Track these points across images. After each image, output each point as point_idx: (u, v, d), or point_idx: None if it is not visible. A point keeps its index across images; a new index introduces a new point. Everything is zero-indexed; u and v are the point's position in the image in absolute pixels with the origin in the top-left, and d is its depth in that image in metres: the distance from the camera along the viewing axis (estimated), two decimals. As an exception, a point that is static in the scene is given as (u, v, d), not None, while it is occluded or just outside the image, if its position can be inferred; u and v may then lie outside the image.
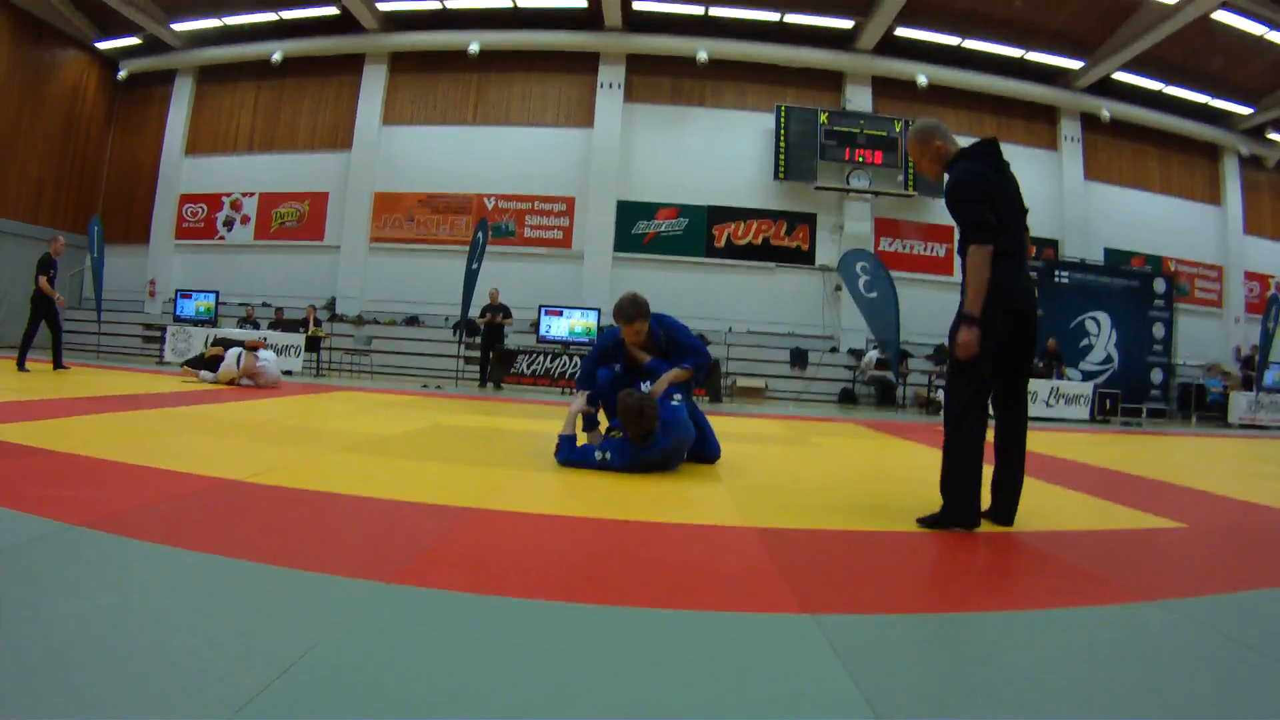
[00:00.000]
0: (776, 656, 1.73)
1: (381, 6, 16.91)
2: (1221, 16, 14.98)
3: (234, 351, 9.42)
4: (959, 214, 3.23)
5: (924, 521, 3.25)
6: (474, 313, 14.16)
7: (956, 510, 3.21)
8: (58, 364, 10.20)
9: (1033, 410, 12.42)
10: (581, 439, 4.52)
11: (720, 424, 5.12)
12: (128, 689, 1.35)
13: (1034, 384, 12.93)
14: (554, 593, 2.10)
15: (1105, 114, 17.59)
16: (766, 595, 2.20)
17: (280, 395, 8.54)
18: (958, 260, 3.31)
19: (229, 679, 1.40)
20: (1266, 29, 15.42)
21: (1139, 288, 17.25)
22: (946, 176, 3.37)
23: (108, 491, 3.02)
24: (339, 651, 1.58)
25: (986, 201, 3.18)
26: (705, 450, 4.74)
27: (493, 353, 13.77)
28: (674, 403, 4.41)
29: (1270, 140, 19.46)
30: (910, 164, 16.49)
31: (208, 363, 9.71)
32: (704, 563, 2.57)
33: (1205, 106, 18.56)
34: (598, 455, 4.27)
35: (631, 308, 4.57)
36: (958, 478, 3.21)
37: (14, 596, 1.79)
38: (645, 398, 4.21)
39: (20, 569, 1.99)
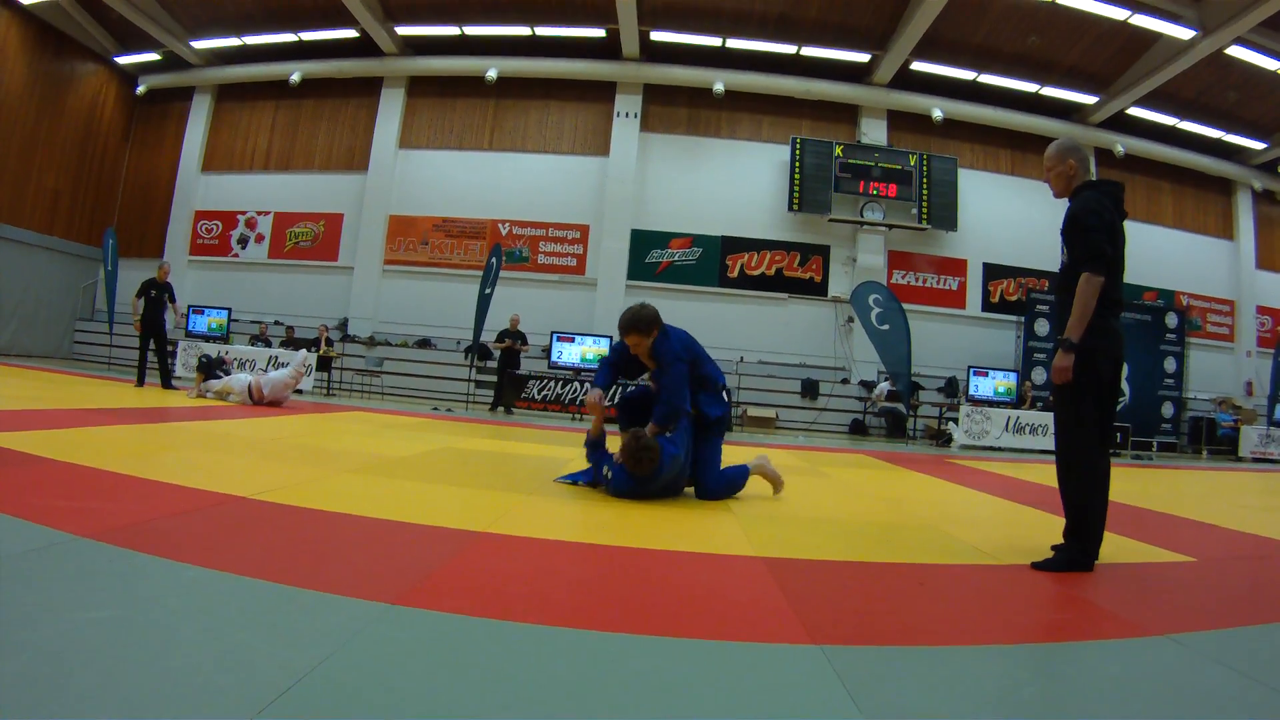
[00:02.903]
0: (783, 687, 1.75)
1: (401, 31, 17.32)
2: (1235, 52, 15.33)
3: (242, 379, 9.64)
4: (1078, 239, 3.28)
5: (1042, 566, 3.24)
6: (489, 337, 14.56)
7: (1086, 553, 3.25)
8: (160, 381, 10.93)
9: (1044, 443, 12.93)
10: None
11: (731, 453, 5.08)
12: (127, 703, 1.36)
13: (1046, 417, 13.27)
14: (560, 619, 2.11)
15: (1120, 149, 17.96)
16: (774, 625, 2.22)
17: (290, 414, 8.69)
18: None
19: (232, 695, 1.42)
20: (1280, 64, 15.77)
21: (1151, 322, 17.56)
22: (1068, 201, 3.48)
23: (114, 504, 3.06)
24: (344, 672, 1.59)
25: (1107, 234, 3.26)
26: (700, 484, 4.71)
27: (503, 377, 14.11)
28: (665, 438, 4.43)
29: (1283, 175, 19.76)
30: (925, 197, 16.94)
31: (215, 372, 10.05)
32: (712, 591, 2.59)
33: (1219, 142, 18.93)
34: (604, 470, 4.46)
35: (625, 320, 4.57)
36: (1096, 519, 3.27)
37: (17, 606, 1.79)
38: (644, 445, 4.22)
39: (24, 578, 2.01)
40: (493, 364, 15.19)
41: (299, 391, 13.33)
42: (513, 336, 14.11)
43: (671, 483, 4.51)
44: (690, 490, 4.73)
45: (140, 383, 10.89)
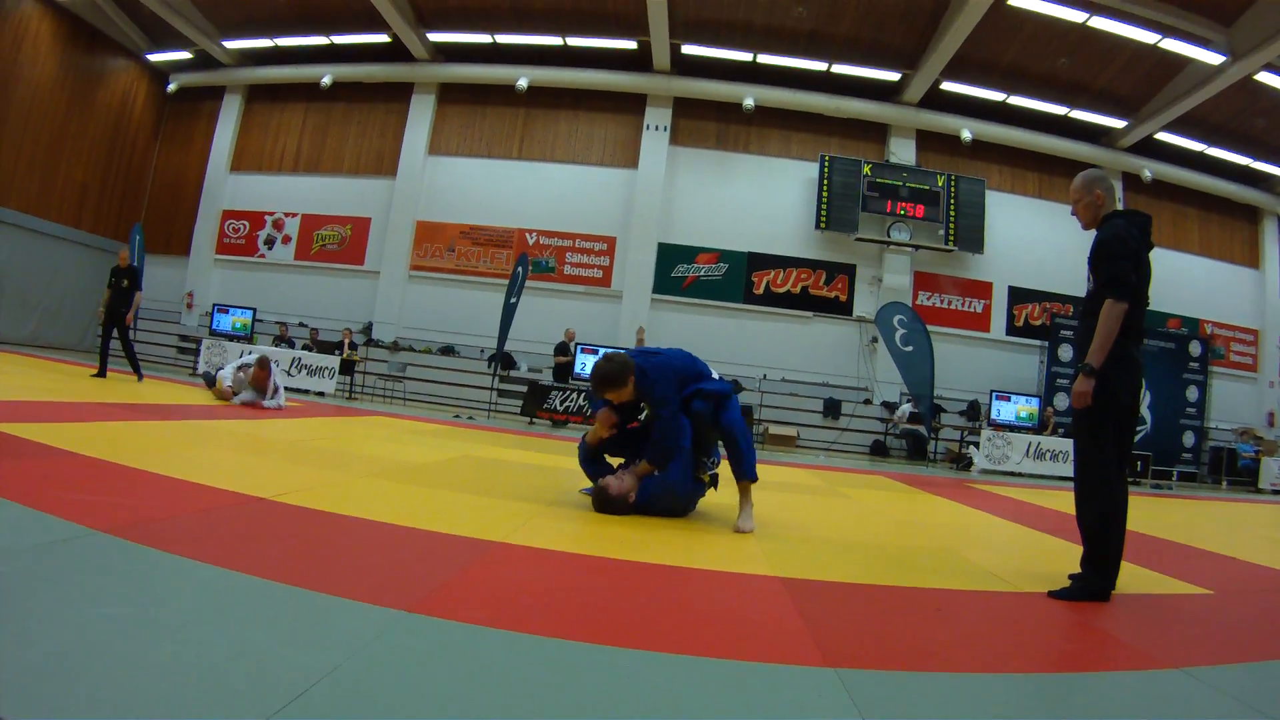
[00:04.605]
0: (796, 709, 1.77)
1: (432, 37, 17.88)
2: (1265, 78, 15.71)
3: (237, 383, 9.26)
4: (1105, 265, 3.38)
5: (1059, 594, 3.31)
6: (528, 348, 15.07)
7: (1104, 582, 3.31)
8: (134, 373, 11.09)
9: (1065, 469, 13.25)
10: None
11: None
12: (140, 702, 1.38)
13: (1067, 444, 13.60)
14: (575, 632, 2.14)
15: (1147, 174, 18.33)
16: (790, 646, 2.25)
17: (312, 417, 8.80)
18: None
19: (246, 697, 1.44)
20: (1308, 92, 16.05)
21: (1175, 350, 17.88)
22: (1095, 231, 3.59)
23: (133, 499, 3.11)
24: (358, 678, 1.62)
25: (1133, 262, 3.35)
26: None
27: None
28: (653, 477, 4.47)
29: (1311, 204, 20.04)
30: (952, 218, 17.37)
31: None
32: (728, 610, 2.63)
33: (1246, 169, 19.25)
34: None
35: (594, 382, 4.40)
36: (1114, 547, 3.32)
37: (31, 599, 1.82)
38: (609, 503, 4.31)
39: (40, 571, 2.04)
40: (517, 373, 15.67)
41: (320, 394, 13.83)
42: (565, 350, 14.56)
43: (676, 507, 4.53)
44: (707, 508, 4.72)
45: (101, 373, 10.54)
